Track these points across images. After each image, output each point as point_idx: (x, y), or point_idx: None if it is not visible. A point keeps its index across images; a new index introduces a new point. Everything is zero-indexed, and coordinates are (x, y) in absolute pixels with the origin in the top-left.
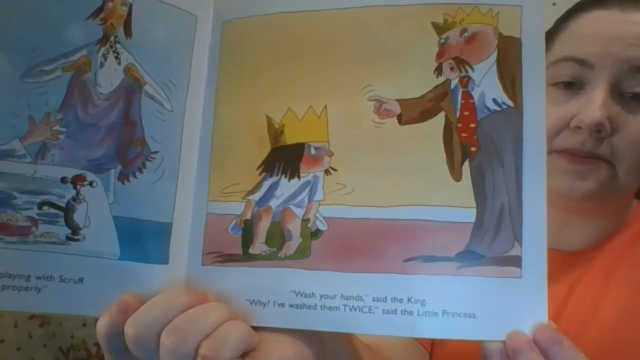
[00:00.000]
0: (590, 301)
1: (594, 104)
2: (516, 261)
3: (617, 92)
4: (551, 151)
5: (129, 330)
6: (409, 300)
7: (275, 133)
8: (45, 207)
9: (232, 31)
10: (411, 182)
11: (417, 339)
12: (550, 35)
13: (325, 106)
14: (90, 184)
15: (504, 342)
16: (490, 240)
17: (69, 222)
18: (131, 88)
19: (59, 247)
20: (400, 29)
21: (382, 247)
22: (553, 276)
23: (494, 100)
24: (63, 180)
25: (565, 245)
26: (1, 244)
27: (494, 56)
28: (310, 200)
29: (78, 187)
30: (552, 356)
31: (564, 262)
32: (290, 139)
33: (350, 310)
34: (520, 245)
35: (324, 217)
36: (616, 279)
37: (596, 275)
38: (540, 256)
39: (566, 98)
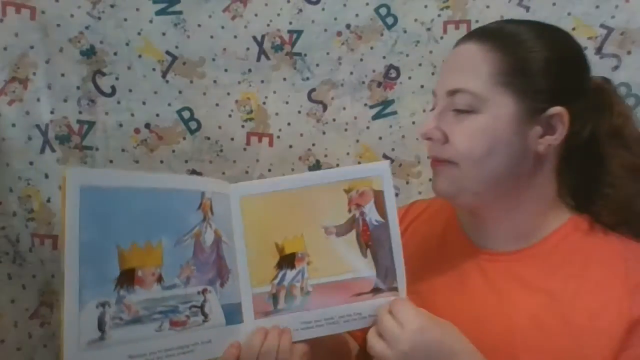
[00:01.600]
0: (507, 303)
1: (427, 120)
2: (395, 289)
3: (452, 110)
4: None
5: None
6: (353, 314)
7: (280, 250)
8: (192, 308)
9: (247, 202)
10: (346, 261)
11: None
12: None
13: (302, 234)
14: (210, 291)
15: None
16: (384, 281)
17: (203, 313)
18: (217, 241)
19: (199, 327)
20: (331, 194)
21: (337, 293)
22: (482, 272)
23: (376, 221)
24: (198, 292)
25: (491, 245)
26: (174, 332)
27: (373, 200)
28: (302, 278)
29: (205, 294)
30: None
31: (490, 260)
32: (288, 251)
33: (328, 324)
34: (396, 281)
35: (310, 285)
36: (523, 287)
37: (509, 280)
38: (402, 285)
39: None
